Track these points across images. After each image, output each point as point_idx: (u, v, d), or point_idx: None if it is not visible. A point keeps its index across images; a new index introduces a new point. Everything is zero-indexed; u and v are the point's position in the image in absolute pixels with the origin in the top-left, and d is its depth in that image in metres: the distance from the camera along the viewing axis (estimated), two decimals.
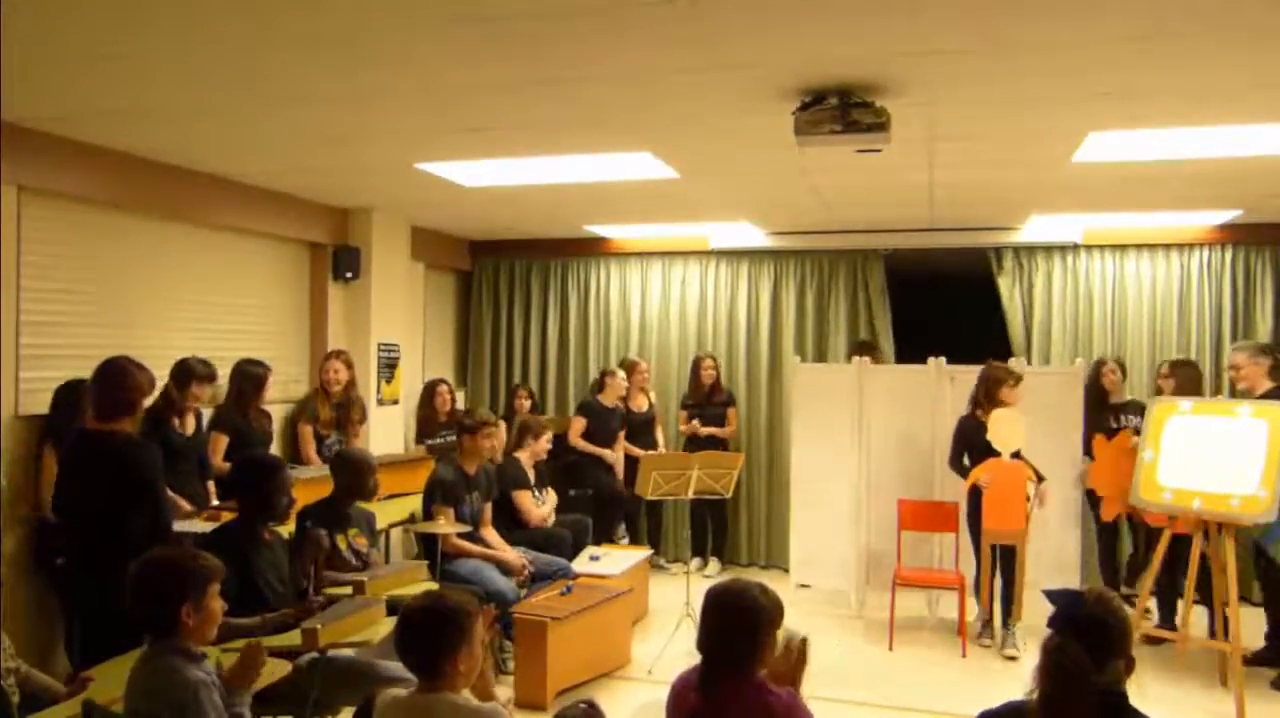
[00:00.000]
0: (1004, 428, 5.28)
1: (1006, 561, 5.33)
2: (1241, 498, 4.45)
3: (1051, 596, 2.18)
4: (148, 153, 4.71)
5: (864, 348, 6.69)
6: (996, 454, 5.25)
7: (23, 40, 2.98)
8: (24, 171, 4.16)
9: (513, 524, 5.55)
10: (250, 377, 5.17)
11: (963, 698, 4.59)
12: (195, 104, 3.79)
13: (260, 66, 3.30)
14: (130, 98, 3.70)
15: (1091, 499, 5.77)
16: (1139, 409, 5.69)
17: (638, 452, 6.63)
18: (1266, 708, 4.53)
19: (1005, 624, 5.35)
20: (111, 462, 3.59)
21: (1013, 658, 5.21)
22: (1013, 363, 5.82)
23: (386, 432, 6.55)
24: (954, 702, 4.56)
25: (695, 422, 6.94)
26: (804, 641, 2.55)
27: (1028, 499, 5.26)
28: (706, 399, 7.01)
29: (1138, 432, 5.28)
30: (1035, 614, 5.11)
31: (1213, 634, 4.96)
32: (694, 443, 6.79)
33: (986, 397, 5.38)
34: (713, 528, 7.15)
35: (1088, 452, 5.73)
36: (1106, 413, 5.94)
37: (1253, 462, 4.46)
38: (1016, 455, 5.26)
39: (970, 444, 5.40)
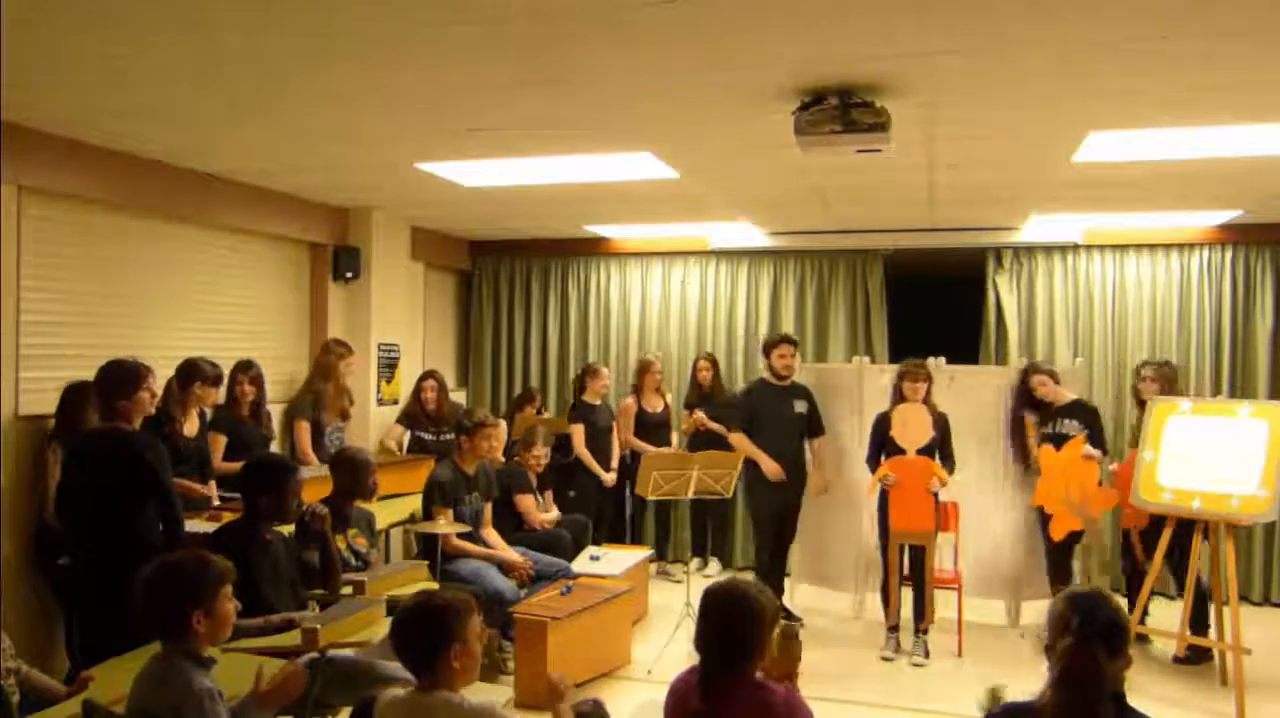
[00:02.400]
0: (908, 425, 5.21)
1: (917, 563, 5.26)
2: (1241, 498, 4.46)
3: (1072, 598, 2.17)
4: (148, 153, 4.71)
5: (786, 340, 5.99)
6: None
7: (23, 40, 2.98)
8: (24, 172, 4.15)
9: (516, 527, 5.56)
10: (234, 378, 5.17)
11: (961, 698, 4.59)
12: (195, 104, 3.79)
13: (260, 67, 3.30)
14: (130, 98, 3.70)
15: (1041, 516, 5.44)
16: (1086, 413, 5.40)
17: (652, 449, 6.57)
18: (1267, 708, 4.53)
19: (918, 631, 5.25)
20: (118, 459, 3.59)
21: (919, 666, 5.13)
22: (1013, 363, 5.83)
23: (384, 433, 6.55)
24: (953, 702, 4.56)
25: (699, 414, 6.71)
26: (796, 628, 2.57)
27: (935, 498, 5.17)
28: (703, 400, 6.85)
29: (1090, 439, 5.21)
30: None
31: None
32: (696, 443, 6.60)
33: (897, 392, 5.36)
34: (712, 528, 7.15)
35: (1021, 459, 5.65)
36: (1044, 419, 5.50)
37: (1253, 461, 4.46)
38: (928, 452, 5.18)
39: (882, 441, 5.36)
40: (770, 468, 5.61)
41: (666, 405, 7.02)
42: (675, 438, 6.99)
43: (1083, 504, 5.16)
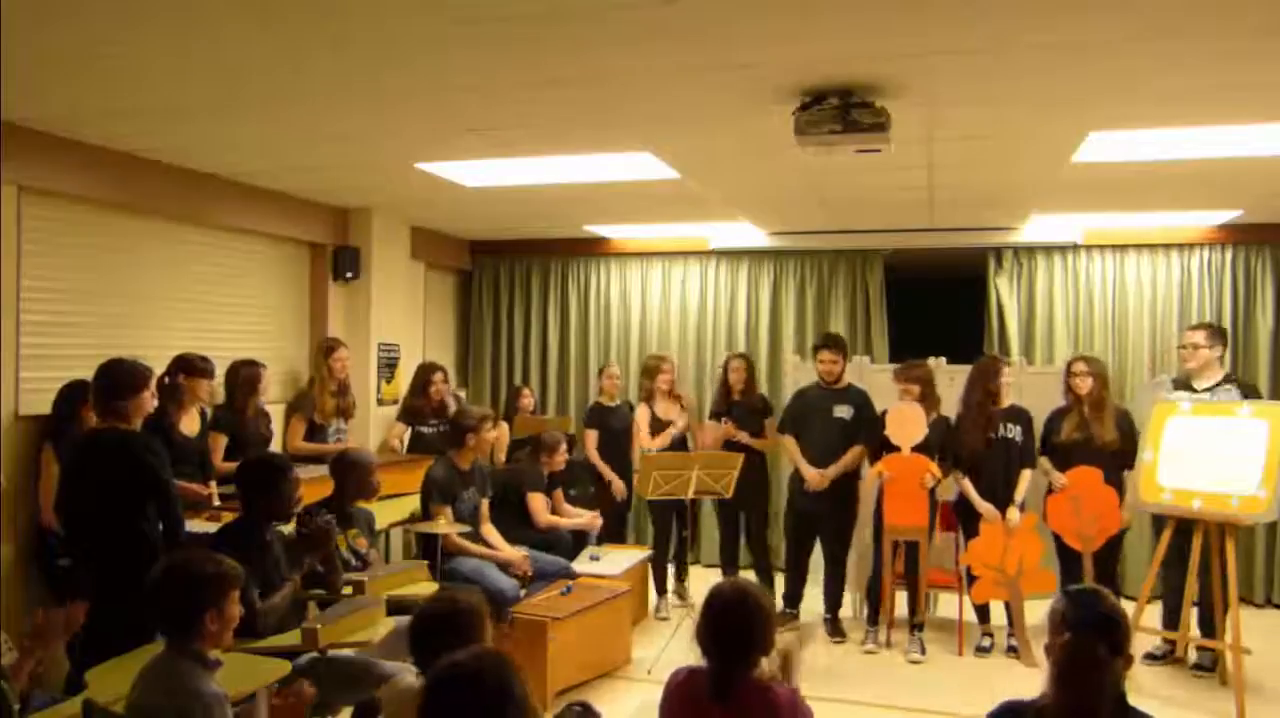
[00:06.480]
0: (902, 423, 5.25)
1: (910, 561, 5.29)
2: (1241, 498, 4.45)
3: (1069, 594, 2.17)
4: (148, 153, 4.71)
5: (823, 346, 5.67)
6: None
7: (23, 40, 2.98)
8: (24, 171, 4.16)
9: (523, 524, 5.56)
10: (243, 376, 5.17)
11: (961, 698, 4.59)
12: (195, 104, 3.79)
13: (260, 67, 3.30)
14: (130, 98, 3.70)
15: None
16: (1023, 419, 5.27)
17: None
18: (1267, 708, 4.53)
19: (913, 628, 5.31)
20: (118, 459, 3.59)
21: (916, 662, 5.18)
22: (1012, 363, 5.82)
23: (386, 431, 6.55)
24: (952, 702, 4.56)
25: (728, 424, 5.93)
26: (797, 634, 2.60)
27: (929, 494, 5.22)
28: (730, 407, 6.03)
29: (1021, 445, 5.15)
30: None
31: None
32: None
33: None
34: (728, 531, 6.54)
35: (962, 465, 5.28)
36: (991, 419, 5.27)
37: (1253, 462, 4.46)
38: (923, 450, 5.20)
39: (884, 439, 5.38)
40: (810, 476, 5.44)
41: (683, 408, 6.29)
42: (693, 443, 6.30)
43: (1017, 578, 5.14)
